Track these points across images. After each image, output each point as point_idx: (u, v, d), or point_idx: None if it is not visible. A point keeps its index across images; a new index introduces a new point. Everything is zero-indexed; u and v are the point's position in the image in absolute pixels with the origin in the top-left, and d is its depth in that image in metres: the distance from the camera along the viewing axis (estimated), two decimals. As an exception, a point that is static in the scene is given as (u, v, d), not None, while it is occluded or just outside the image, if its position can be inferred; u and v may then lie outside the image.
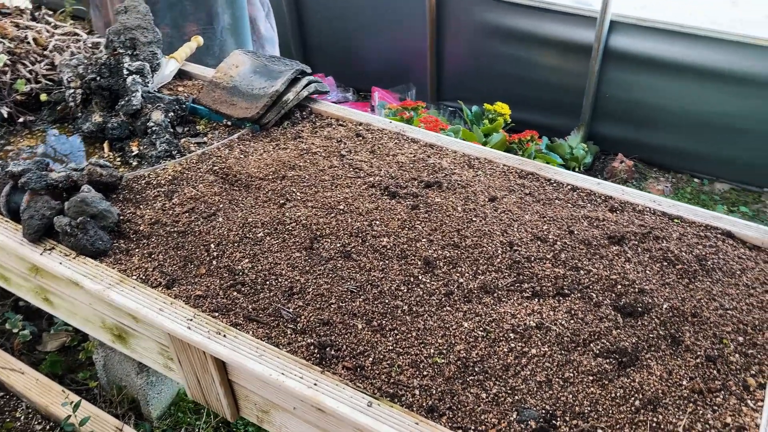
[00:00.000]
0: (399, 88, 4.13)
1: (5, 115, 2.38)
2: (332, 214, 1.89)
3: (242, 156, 2.19)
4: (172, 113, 2.33)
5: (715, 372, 1.42)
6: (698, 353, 1.45)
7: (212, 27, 3.06)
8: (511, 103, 3.74)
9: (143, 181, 2.05)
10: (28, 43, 2.66)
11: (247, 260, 1.74)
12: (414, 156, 2.19)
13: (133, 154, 2.23)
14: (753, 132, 3.41)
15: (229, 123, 2.39)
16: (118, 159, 2.25)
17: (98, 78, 2.30)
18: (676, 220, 1.88)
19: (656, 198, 1.97)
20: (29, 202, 1.79)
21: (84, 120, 2.33)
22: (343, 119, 2.44)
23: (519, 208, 1.92)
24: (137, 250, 1.79)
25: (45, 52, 2.65)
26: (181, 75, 2.75)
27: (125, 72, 2.28)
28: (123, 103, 2.28)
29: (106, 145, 2.29)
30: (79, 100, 2.34)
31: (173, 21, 3.03)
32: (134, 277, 1.69)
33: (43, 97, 2.46)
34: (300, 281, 1.67)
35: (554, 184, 2.06)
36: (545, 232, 1.80)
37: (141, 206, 1.95)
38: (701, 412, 1.33)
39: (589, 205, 1.96)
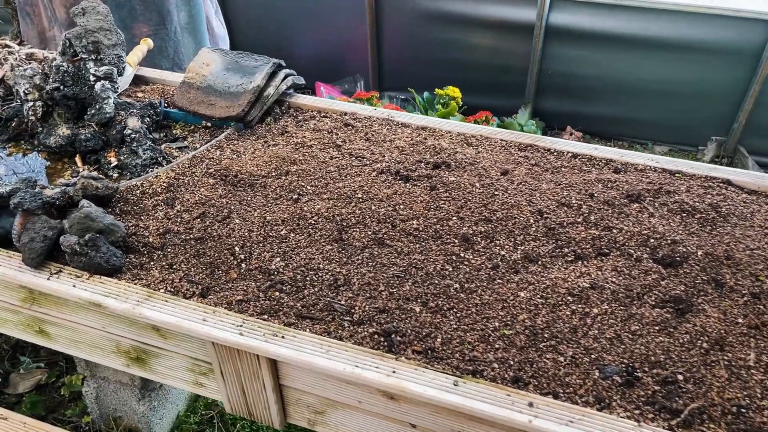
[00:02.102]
0: (345, 81, 4.08)
1: (-48, 138, 2.14)
2: (352, 204, 1.84)
3: (235, 156, 2.08)
4: (147, 119, 2.18)
5: (762, 307, 1.50)
6: (742, 292, 1.53)
7: (165, 27, 2.89)
8: (456, 87, 3.79)
9: (138, 192, 1.90)
10: (-39, 57, 2.40)
11: (278, 259, 1.66)
12: (411, 140, 2.17)
13: (112, 165, 2.06)
14: (684, 95, 3.64)
15: (209, 124, 2.27)
16: (96, 172, 2.08)
17: (62, 87, 2.11)
18: (677, 175, 1.98)
19: (653, 156, 2.06)
20: (25, 224, 1.62)
21: (47, 134, 2.13)
22: (325, 110, 2.38)
23: (532, 178, 1.95)
24: (153, 262, 1.67)
25: (-18, 66, 2.41)
26: (137, 80, 2.58)
27: (92, 78, 2.10)
28: (93, 112, 2.11)
29: (78, 159, 2.11)
30: (40, 114, 2.14)
31: (121, 22, 2.83)
32: (162, 291, 1.57)
33: (-7, 114, 2.24)
34: (342, 273, 1.61)
35: (554, 153, 2.10)
36: (567, 198, 1.84)
37: (142, 217, 1.81)
38: (763, 344, 1.41)
39: (594, 169, 2.02)
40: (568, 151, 2.10)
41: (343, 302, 1.53)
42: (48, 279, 1.60)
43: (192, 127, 2.29)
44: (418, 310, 1.51)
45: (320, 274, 1.61)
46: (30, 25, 3.18)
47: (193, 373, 1.70)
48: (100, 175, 1.82)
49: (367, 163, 2.03)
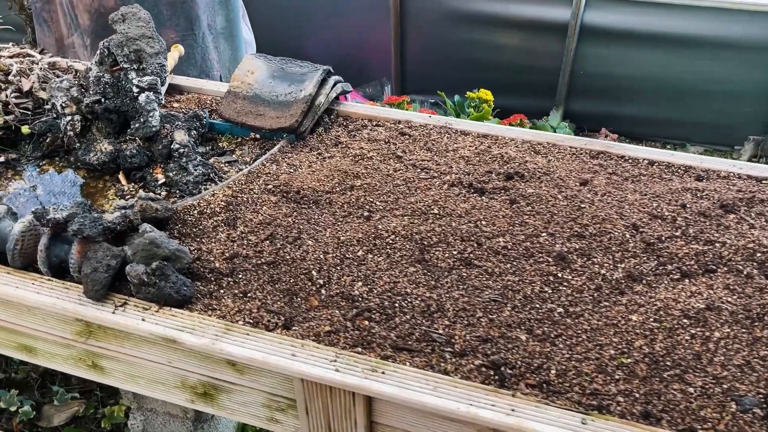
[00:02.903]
0: (369, 84, 3.95)
1: (-17, 156, 1.99)
2: (429, 221, 1.71)
3: (292, 170, 1.95)
4: (194, 132, 2.05)
5: None
6: None
7: (192, 32, 2.74)
8: (483, 89, 3.68)
9: (195, 212, 1.77)
10: (-14, 68, 2.25)
11: (360, 283, 1.53)
12: (475, 149, 2.05)
13: (160, 182, 1.92)
14: (720, 94, 3.55)
15: (257, 136, 2.14)
16: (142, 190, 1.94)
17: (103, 100, 1.97)
18: (764, 182, 1.87)
19: (735, 162, 1.96)
20: (85, 253, 1.48)
21: (85, 150, 1.99)
22: (377, 119, 2.25)
23: (615, 188, 1.83)
24: (224, 290, 1.53)
25: (9, 78, 2.26)
26: (170, 90, 2.44)
27: (135, 90, 1.96)
28: (138, 125, 1.97)
29: (122, 177, 1.97)
30: (79, 128, 2.00)
31: None
32: (241, 323, 1.44)
33: (25, 129, 2.09)
34: (433, 298, 1.49)
35: (630, 161, 1.99)
36: (658, 210, 1.73)
37: (203, 240, 1.68)
38: None
39: (674, 177, 1.91)
40: (644, 158, 1.99)
41: (440, 331, 1.41)
42: (113, 312, 1.46)
43: (239, 140, 2.15)
44: (524, 338, 1.39)
45: (409, 300, 1.48)
46: (47, 32, 3.02)
47: (269, 409, 1.56)
48: (157, 195, 1.68)
49: (435, 175, 1.91)
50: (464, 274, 1.55)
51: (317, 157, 2.03)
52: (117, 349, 1.61)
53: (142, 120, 1.95)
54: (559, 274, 1.54)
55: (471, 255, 1.60)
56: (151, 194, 1.67)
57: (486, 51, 3.83)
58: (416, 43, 3.95)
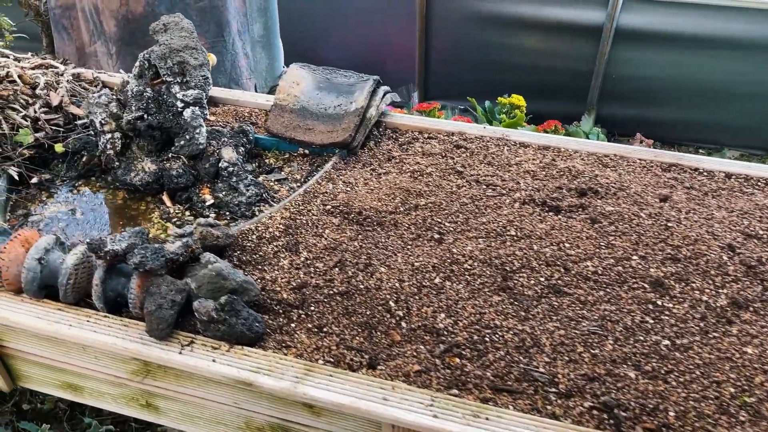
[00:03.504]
0: (397, 91, 3.81)
1: (15, 177, 1.86)
2: (507, 243, 1.60)
3: (348, 188, 1.83)
4: (241, 148, 1.92)
5: None
6: None
7: (222, 39, 2.61)
8: (510, 93, 3.57)
9: (253, 236, 1.64)
10: (12, 81, 2.12)
11: (443, 315, 1.42)
12: (539, 162, 1.94)
13: (208, 203, 1.80)
14: (757, 96, 3.46)
15: (306, 151, 2.01)
16: (188, 212, 1.81)
17: (145, 116, 1.84)
18: None
19: (818, 174, 1.85)
20: (147, 288, 1.35)
21: (126, 170, 1.86)
22: (429, 130, 2.14)
23: (698, 205, 1.72)
24: (296, 324, 1.41)
25: (37, 92, 2.12)
26: (205, 102, 2.31)
27: (179, 104, 1.84)
28: (183, 143, 1.84)
29: (166, 198, 1.85)
30: (119, 147, 1.87)
31: None
32: (321, 362, 1.31)
33: (59, 148, 1.96)
34: (525, 331, 1.37)
35: (704, 174, 1.88)
36: (751, 228, 1.62)
37: (265, 268, 1.55)
38: None
39: (755, 190, 1.80)
40: (719, 170, 1.88)
41: (541, 369, 1.29)
42: (180, 353, 1.34)
43: (286, 155, 2.03)
44: (632, 375, 1.27)
45: (500, 333, 1.37)
46: (66, 39, 2.88)
47: (345, 452, 1.44)
48: (217, 222, 1.56)
49: (503, 191, 1.80)
50: (555, 303, 1.44)
51: (372, 174, 1.91)
52: (176, 389, 1.48)
53: (187, 137, 1.83)
54: (659, 302, 1.43)
55: (559, 281, 1.48)
56: (210, 220, 1.54)
57: (514, 54, 3.72)
58: (441, 46, 3.83)
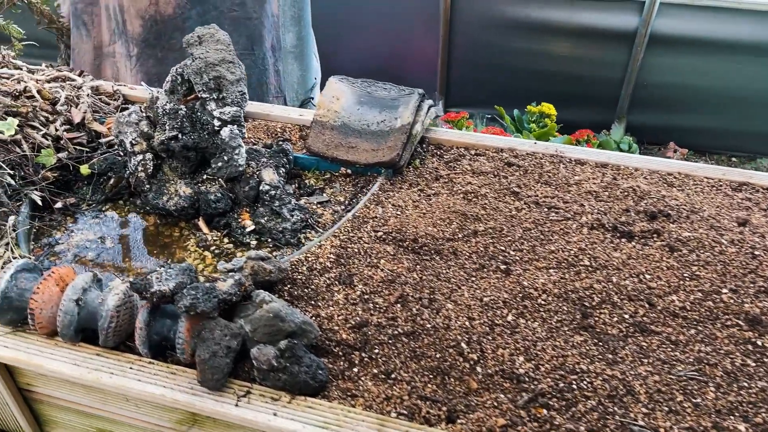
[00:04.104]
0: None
1: (39, 202, 1.72)
2: (582, 274, 1.47)
3: (398, 212, 1.70)
4: (282, 169, 1.79)
5: None
6: None
7: (252, 53, 2.47)
8: (535, 100, 3.45)
9: (303, 268, 1.51)
10: (31, 97, 1.98)
11: (521, 358, 1.29)
12: (599, 181, 1.81)
13: (248, 230, 1.67)
14: (793, 104, 3.35)
15: (348, 171, 1.88)
16: (226, 239, 1.68)
17: (180, 135, 1.70)
18: None
19: None
20: (197, 332, 1.22)
21: (157, 193, 1.73)
22: (475, 146, 2.01)
23: (781, 229, 1.60)
24: (359, 369, 1.28)
25: (57, 108, 1.99)
26: (234, 116, 2.18)
27: (216, 123, 1.70)
28: (221, 164, 1.71)
29: (202, 224, 1.71)
30: (151, 168, 1.74)
31: None
32: (393, 414, 1.18)
33: (85, 169, 1.82)
34: (616, 376, 1.24)
35: (779, 193, 1.76)
36: None
37: (319, 304, 1.42)
38: None
39: (837, 212, 1.68)
40: (795, 189, 1.76)
41: (640, 422, 1.16)
42: (236, 405, 1.20)
43: (327, 175, 1.90)
44: (743, 429, 1.15)
45: (587, 379, 1.24)
46: (84, 36, 2.75)
47: None
48: (267, 254, 1.42)
49: (568, 215, 1.67)
50: (643, 343, 1.31)
51: (420, 195, 1.79)
52: (226, 439, 1.35)
53: (225, 158, 1.70)
54: (759, 342, 1.30)
55: (645, 318, 1.36)
56: (261, 252, 1.41)
57: (540, 61, 3.60)
58: (464, 52, 3.70)
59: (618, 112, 3.58)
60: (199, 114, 1.74)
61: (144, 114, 1.79)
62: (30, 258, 1.53)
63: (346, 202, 1.79)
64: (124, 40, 2.60)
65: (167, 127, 1.69)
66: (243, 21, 2.45)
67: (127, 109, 2.25)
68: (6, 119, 1.80)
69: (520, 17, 3.51)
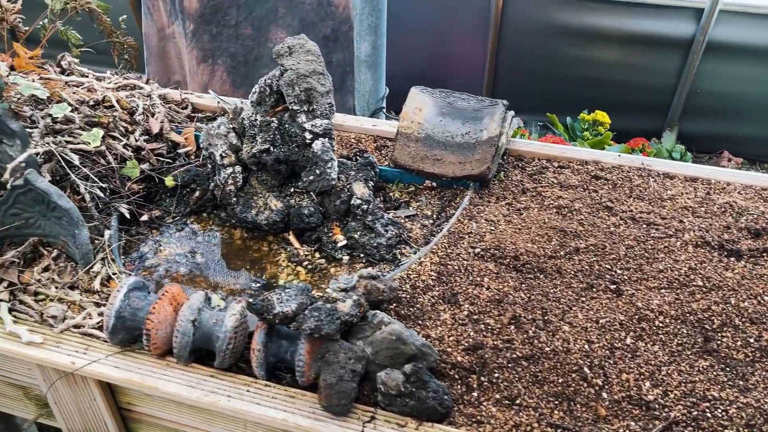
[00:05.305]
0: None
1: (127, 215, 1.69)
2: (696, 295, 1.43)
3: (492, 227, 1.67)
4: (370, 182, 1.76)
5: None
6: None
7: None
8: (582, 107, 3.41)
9: (407, 286, 1.48)
10: (110, 107, 1.95)
11: (648, 383, 1.25)
12: (693, 196, 1.77)
13: (340, 245, 1.64)
14: None
15: (432, 183, 1.85)
16: (317, 254, 1.65)
17: (272, 149, 1.67)
18: None
19: None
20: (321, 356, 1.19)
21: (245, 207, 1.70)
22: (558, 158, 1.97)
23: None
24: (479, 393, 1.24)
25: (135, 118, 1.96)
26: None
27: (307, 136, 1.67)
28: (313, 177, 1.68)
29: (293, 238, 1.68)
30: (240, 182, 1.71)
31: (258, 21, 2.35)
32: (526, 444, 1.15)
33: (170, 181, 1.80)
34: (751, 404, 1.20)
35: None
36: None
37: (427, 323, 1.39)
38: None
39: None
40: None
41: (785, 454, 1.12)
42: (362, 431, 1.17)
43: (411, 188, 1.86)
44: None
45: (722, 408, 1.20)
46: (150, 22, 2.76)
47: None
48: (377, 272, 1.39)
49: (669, 232, 1.63)
50: (772, 368, 1.27)
51: (510, 209, 1.75)
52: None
53: (317, 171, 1.66)
54: None
55: (770, 342, 1.32)
56: (371, 271, 1.38)
57: (589, 67, 3.56)
58: (513, 58, 3.66)
59: (669, 120, 3.53)
60: (287, 126, 1.71)
61: (231, 126, 1.76)
62: (130, 274, 1.50)
63: (434, 216, 1.76)
64: (181, 18, 2.60)
65: (259, 140, 1.67)
66: (297, 4, 2.40)
67: (194, 118, 2.23)
68: (90, 130, 1.77)
69: (572, 23, 3.46)
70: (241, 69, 2.77)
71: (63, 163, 1.62)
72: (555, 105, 3.59)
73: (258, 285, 1.56)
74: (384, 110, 2.76)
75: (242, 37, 2.59)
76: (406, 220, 1.74)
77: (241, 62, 2.76)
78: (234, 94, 2.86)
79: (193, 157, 1.94)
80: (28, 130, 1.65)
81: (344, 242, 1.64)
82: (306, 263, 1.62)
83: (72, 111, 1.80)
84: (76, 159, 1.67)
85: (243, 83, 2.85)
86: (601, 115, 3.22)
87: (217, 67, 2.78)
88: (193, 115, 2.21)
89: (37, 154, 1.59)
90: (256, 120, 1.70)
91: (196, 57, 2.80)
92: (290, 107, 1.68)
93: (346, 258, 1.63)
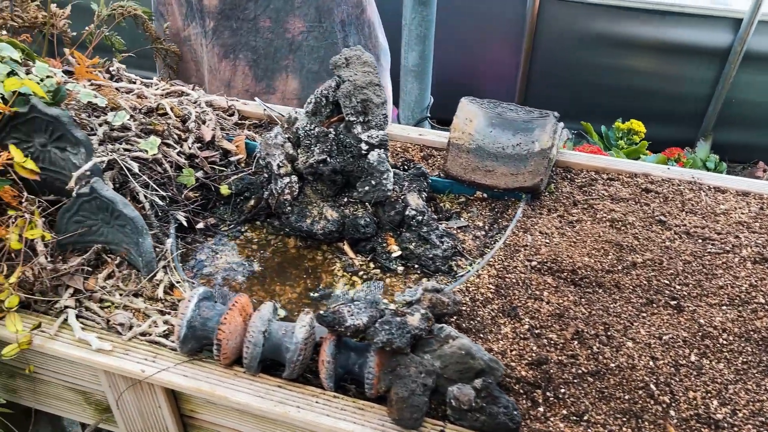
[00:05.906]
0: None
1: (184, 223, 1.71)
2: (759, 312, 1.43)
3: (547, 240, 1.67)
4: (423, 193, 1.77)
5: None
6: None
7: (321, 25, 2.45)
8: (616, 116, 3.41)
9: (467, 298, 1.48)
10: (164, 114, 1.98)
11: (715, 402, 1.25)
12: (748, 210, 1.77)
13: (394, 255, 1.65)
14: None
15: (484, 195, 1.85)
16: (372, 264, 1.66)
17: (328, 159, 1.69)
18: None
19: None
20: (392, 369, 1.20)
21: (300, 216, 1.71)
22: (607, 170, 1.97)
23: None
24: (545, 409, 1.25)
25: (188, 125, 1.98)
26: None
27: (364, 146, 1.68)
28: (368, 188, 1.69)
29: (347, 248, 1.69)
30: (297, 192, 1.72)
31: (275, 13, 2.37)
32: (597, 461, 1.15)
33: (225, 189, 1.82)
34: (822, 425, 1.20)
35: None
36: None
37: (488, 337, 1.40)
38: None
39: None
40: None
41: None
42: (434, 446, 1.18)
43: (461, 199, 1.87)
44: None
45: (792, 427, 1.20)
46: (162, 24, 2.80)
47: None
48: (441, 285, 1.40)
49: (726, 247, 1.62)
50: (841, 389, 1.26)
51: (562, 222, 1.75)
52: (400, 475, 1.32)
53: (373, 182, 1.68)
54: None
55: (837, 362, 1.31)
56: (434, 283, 1.39)
57: (623, 76, 3.55)
58: (547, 65, 3.66)
59: (703, 130, 3.52)
60: (342, 137, 1.72)
61: (287, 136, 1.78)
62: (192, 282, 1.52)
63: (486, 227, 1.76)
64: (199, 17, 2.62)
65: (316, 150, 1.68)
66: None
67: (243, 125, 2.26)
68: (146, 137, 1.80)
69: (607, 32, 3.46)
70: (262, 62, 2.79)
71: (125, 171, 1.64)
72: (589, 113, 3.58)
73: (316, 295, 1.57)
74: (429, 119, 2.78)
75: (261, 30, 2.60)
76: (459, 231, 1.75)
77: (261, 55, 2.78)
78: (256, 87, 2.87)
79: (243, 164, 1.96)
80: (89, 138, 1.67)
81: (399, 253, 1.65)
82: (361, 273, 1.63)
83: (129, 119, 1.83)
84: (135, 167, 1.69)
85: (264, 76, 2.87)
86: (637, 124, 3.21)
87: (239, 62, 2.80)
88: (241, 122, 2.23)
89: (101, 162, 1.61)
90: (312, 130, 1.72)
91: (218, 54, 2.82)
92: (347, 118, 1.70)
93: (400, 269, 1.64)
